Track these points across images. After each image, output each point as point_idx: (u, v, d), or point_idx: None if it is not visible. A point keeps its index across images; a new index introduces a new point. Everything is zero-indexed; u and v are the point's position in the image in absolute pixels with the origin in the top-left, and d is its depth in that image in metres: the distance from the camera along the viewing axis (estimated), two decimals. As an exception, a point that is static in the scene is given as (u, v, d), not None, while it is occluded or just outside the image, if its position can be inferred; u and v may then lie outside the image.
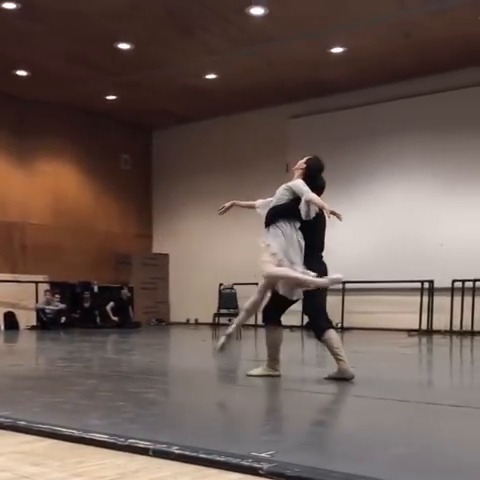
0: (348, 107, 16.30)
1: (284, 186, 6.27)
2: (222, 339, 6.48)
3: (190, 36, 13.14)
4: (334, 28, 12.81)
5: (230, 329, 6.46)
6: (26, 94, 16.35)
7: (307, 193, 6.01)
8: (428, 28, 12.70)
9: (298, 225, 6.12)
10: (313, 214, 6.11)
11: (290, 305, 6.31)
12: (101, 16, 12.20)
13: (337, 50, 13.89)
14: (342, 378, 5.98)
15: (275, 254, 5.99)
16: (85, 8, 11.90)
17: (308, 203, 6.02)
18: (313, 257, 6.17)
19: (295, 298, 6.15)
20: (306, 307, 6.32)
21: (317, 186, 6.26)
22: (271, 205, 6.29)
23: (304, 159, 6.41)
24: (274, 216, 6.16)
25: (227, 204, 6.80)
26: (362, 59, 14.24)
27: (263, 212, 6.44)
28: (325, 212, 5.94)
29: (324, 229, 6.38)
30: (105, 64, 14.66)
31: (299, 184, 6.15)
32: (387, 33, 12.98)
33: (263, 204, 6.54)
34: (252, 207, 6.68)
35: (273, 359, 6.28)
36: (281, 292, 6.09)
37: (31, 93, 16.29)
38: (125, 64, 14.65)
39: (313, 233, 6.20)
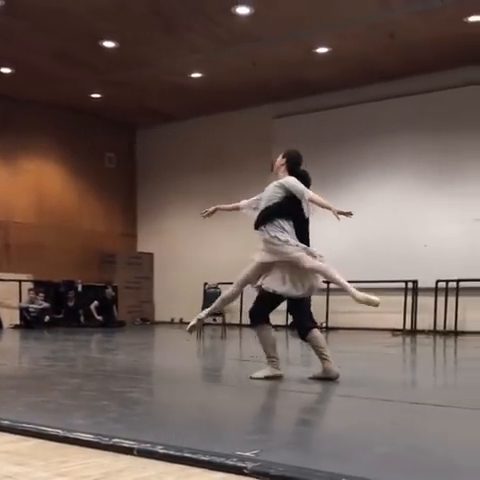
0: (333, 107, 16.34)
1: (275, 183, 6.22)
2: (193, 321, 6.46)
3: (175, 35, 13.12)
4: (319, 28, 12.83)
5: (202, 314, 6.48)
6: (10, 91, 16.25)
7: (307, 193, 6.02)
8: (413, 28, 12.75)
9: (292, 224, 6.10)
10: (313, 212, 6.13)
11: (278, 304, 6.28)
12: (86, 14, 12.15)
13: (322, 50, 13.92)
14: (327, 378, 5.99)
15: (298, 245, 5.97)
16: (70, 5, 11.85)
17: (308, 202, 6.01)
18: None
19: (294, 295, 6.08)
20: (292, 307, 6.31)
21: (305, 181, 6.24)
22: (262, 204, 6.23)
23: (280, 155, 6.40)
24: (271, 215, 6.09)
25: (210, 209, 6.71)
26: (347, 59, 14.27)
27: (249, 212, 6.41)
28: (332, 212, 5.91)
29: (308, 226, 6.36)
30: (90, 62, 14.60)
31: (293, 182, 6.12)
32: (372, 33, 13.01)
33: (248, 204, 6.50)
34: (236, 209, 6.62)
35: (274, 358, 6.15)
36: (279, 291, 6.01)
37: (15, 90, 16.20)
38: (110, 62, 14.60)
39: (302, 231, 6.18)
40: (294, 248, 5.95)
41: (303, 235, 6.16)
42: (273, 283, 6.05)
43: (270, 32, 12.96)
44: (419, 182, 15.34)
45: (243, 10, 12.06)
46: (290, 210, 6.08)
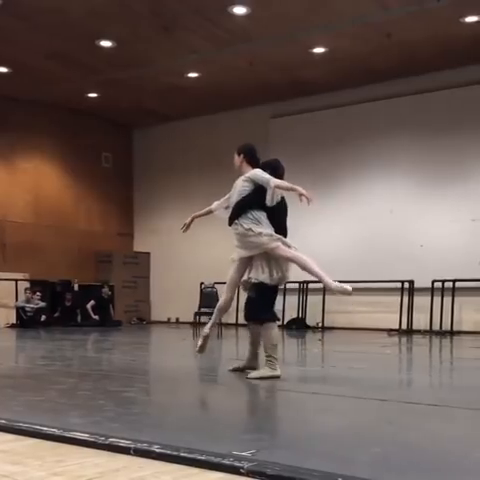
0: (330, 107, 16.35)
1: (242, 178, 6.36)
2: (200, 341, 6.53)
3: (172, 35, 13.11)
4: (316, 29, 12.83)
5: (206, 330, 6.50)
6: (7, 91, 16.23)
7: (272, 180, 6.11)
8: (410, 29, 12.76)
9: (265, 214, 6.19)
10: (278, 199, 6.20)
11: (276, 295, 6.38)
12: (83, 14, 12.14)
13: (319, 50, 13.92)
14: (248, 368, 6.37)
15: (272, 235, 6.07)
16: (67, 5, 11.84)
17: (274, 189, 6.08)
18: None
19: (277, 283, 6.24)
20: (254, 293, 6.35)
21: (276, 171, 6.40)
22: (233, 200, 6.33)
23: (235, 154, 6.53)
24: (244, 207, 6.20)
25: (187, 220, 6.87)
26: (344, 59, 14.28)
27: (222, 214, 6.57)
28: (297, 193, 5.96)
29: (286, 214, 6.45)
30: (87, 62, 14.59)
31: (258, 173, 6.24)
32: (369, 33, 13.02)
33: (219, 205, 6.66)
34: (210, 212, 6.77)
35: (272, 358, 6.16)
36: (261, 279, 6.13)
37: (12, 90, 16.17)
38: (107, 62, 14.59)
39: (277, 219, 6.27)
40: (269, 238, 6.05)
41: (280, 224, 6.27)
42: (257, 273, 6.18)
43: (267, 32, 12.97)
44: (416, 182, 15.35)
45: (240, 10, 12.06)
46: (260, 201, 6.15)
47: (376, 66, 14.70)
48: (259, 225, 6.09)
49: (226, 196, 6.57)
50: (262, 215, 6.16)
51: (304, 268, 6.04)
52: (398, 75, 15.18)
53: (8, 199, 17.02)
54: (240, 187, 6.32)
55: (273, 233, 6.10)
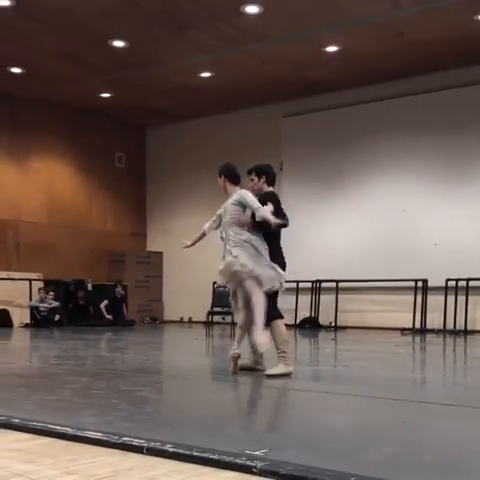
0: (342, 106, 16.30)
1: (231, 201, 6.60)
2: (232, 364, 6.51)
3: (184, 34, 13.12)
4: (328, 27, 12.80)
5: (235, 350, 6.45)
6: (20, 91, 16.30)
7: (259, 210, 6.33)
8: (423, 27, 12.70)
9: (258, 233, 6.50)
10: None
11: (276, 296, 6.60)
12: (95, 14, 12.17)
13: (331, 49, 13.89)
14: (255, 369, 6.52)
15: (245, 264, 6.45)
16: (79, 6, 11.86)
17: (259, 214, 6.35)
18: (277, 251, 6.64)
19: (276, 288, 6.48)
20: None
21: (271, 177, 6.82)
22: (225, 220, 6.63)
23: (218, 175, 6.83)
24: (238, 229, 6.51)
25: (189, 243, 7.32)
26: (356, 58, 14.24)
27: (213, 233, 6.94)
28: (272, 224, 6.30)
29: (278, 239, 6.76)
30: (99, 62, 14.63)
31: (247, 197, 6.47)
32: (382, 32, 12.97)
33: (209, 227, 6.97)
34: (204, 235, 7.12)
35: (285, 353, 6.30)
36: (269, 286, 6.38)
37: (25, 90, 16.24)
38: (119, 62, 14.62)
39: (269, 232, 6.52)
40: (242, 265, 6.60)
41: (274, 238, 6.63)
42: (266, 282, 6.43)
43: (279, 31, 12.95)
44: (429, 181, 15.28)
45: (252, 9, 12.05)
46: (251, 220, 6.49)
47: (388, 65, 14.64)
48: (245, 248, 6.54)
49: (213, 218, 6.85)
50: (255, 232, 6.49)
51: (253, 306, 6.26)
52: (412, 73, 15.11)
53: (21, 199, 17.09)
54: (232, 211, 6.55)
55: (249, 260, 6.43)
